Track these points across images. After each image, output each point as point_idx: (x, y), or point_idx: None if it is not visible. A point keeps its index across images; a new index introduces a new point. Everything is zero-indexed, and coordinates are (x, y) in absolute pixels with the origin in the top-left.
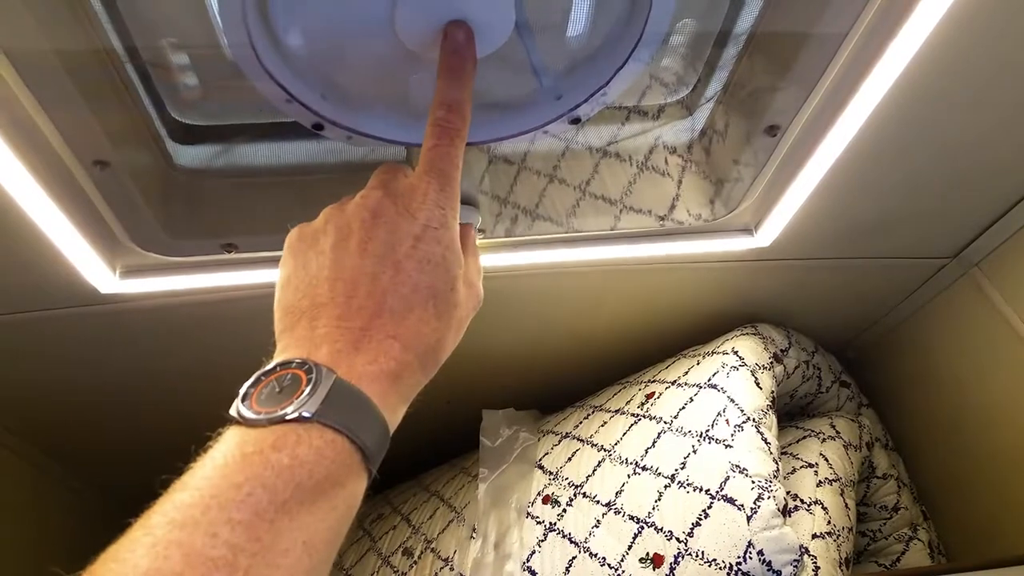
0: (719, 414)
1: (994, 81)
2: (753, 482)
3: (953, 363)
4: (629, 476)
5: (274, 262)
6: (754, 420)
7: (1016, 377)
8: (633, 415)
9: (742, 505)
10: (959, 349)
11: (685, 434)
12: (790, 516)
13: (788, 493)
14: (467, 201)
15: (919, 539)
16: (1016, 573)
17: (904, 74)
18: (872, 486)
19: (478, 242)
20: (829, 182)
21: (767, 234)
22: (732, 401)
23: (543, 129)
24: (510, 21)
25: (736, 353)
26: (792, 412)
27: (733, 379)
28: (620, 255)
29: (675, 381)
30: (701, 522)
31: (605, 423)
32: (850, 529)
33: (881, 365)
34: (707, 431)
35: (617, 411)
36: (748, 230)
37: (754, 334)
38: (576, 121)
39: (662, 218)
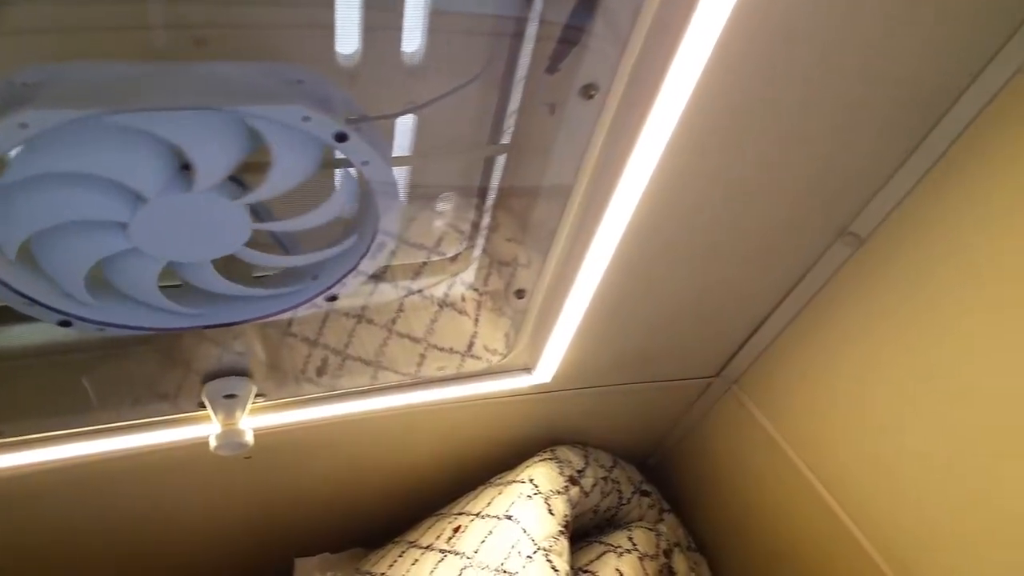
0: (513, 546)
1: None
2: None
3: (732, 471)
4: None
5: (44, 442)
6: (544, 549)
7: (782, 483)
8: (441, 551)
9: None
10: (735, 458)
11: (483, 569)
12: None
13: None
14: (237, 372)
15: None
16: None
17: (627, 233)
18: None
19: (261, 404)
20: (587, 327)
21: (544, 371)
22: (524, 532)
23: (303, 306)
24: (247, 226)
25: (532, 481)
26: (600, 525)
27: (527, 509)
28: (416, 400)
29: (479, 513)
30: None
31: (417, 560)
32: None
33: (679, 472)
34: (502, 564)
35: (428, 547)
36: (527, 369)
37: (551, 459)
38: (333, 299)
39: (463, 355)
